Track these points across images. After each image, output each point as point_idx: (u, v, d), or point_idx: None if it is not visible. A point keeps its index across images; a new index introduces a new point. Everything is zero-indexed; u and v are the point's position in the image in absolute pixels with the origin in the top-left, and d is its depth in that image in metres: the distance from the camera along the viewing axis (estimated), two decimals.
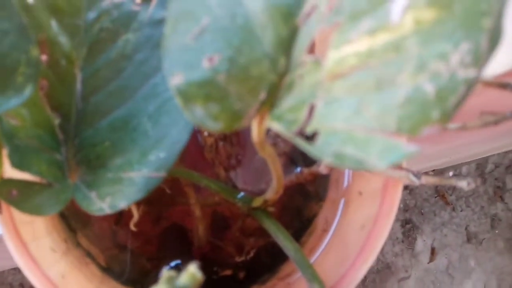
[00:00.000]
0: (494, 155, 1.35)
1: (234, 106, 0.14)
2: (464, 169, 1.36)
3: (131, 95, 0.19)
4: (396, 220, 1.31)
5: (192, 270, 0.15)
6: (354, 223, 0.26)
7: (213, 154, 0.27)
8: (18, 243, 0.19)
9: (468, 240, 1.32)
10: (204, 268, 0.32)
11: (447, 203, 1.32)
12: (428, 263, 1.29)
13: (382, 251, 1.30)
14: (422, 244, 1.31)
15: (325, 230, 0.28)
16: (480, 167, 1.35)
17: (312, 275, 0.22)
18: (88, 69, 0.19)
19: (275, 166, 0.20)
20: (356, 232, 0.25)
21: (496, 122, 0.16)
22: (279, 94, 0.14)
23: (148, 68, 0.19)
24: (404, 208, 1.34)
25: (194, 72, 0.13)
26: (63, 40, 0.17)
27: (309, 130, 0.13)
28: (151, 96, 0.19)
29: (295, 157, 0.31)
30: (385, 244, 1.30)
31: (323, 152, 0.12)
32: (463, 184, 0.19)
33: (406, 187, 1.34)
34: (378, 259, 1.30)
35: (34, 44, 0.14)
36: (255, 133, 0.16)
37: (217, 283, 0.30)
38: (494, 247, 1.32)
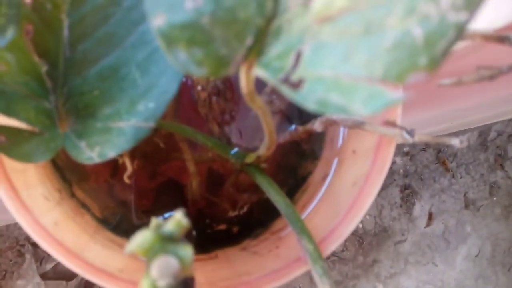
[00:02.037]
0: (497, 123, 1.34)
1: (220, 52, 0.13)
2: (466, 137, 1.35)
3: (120, 43, 0.18)
4: (395, 185, 1.32)
5: (178, 217, 0.15)
6: (346, 181, 0.26)
7: (207, 109, 0.26)
8: (10, 190, 0.19)
9: (466, 206, 1.34)
10: (199, 222, 0.32)
11: (447, 169, 1.32)
12: (424, 227, 1.31)
13: (380, 215, 1.32)
14: (420, 209, 1.33)
15: (318, 188, 0.28)
16: (482, 135, 1.34)
17: (302, 228, 0.22)
18: (75, 15, 0.18)
19: (266, 120, 0.20)
20: (348, 189, 0.25)
21: (491, 77, 0.16)
22: (267, 40, 0.14)
23: (137, 14, 0.18)
24: (404, 173, 1.35)
25: (177, 13, 0.12)
26: None
27: (295, 77, 0.13)
28: (140, 44, 0.18)
29: (291, 115, 0.31)
30: (383, 208, 1.32)
31: (307, 99, 0.12)
32: (455, 142, 0.19)
33: (407, 153, 1.34)
34: (375, 223, 1.32)
35: None
36: (244, 83, 0.15)
37: (212, 237, 0.31)
38: (491, 213, 1.34)
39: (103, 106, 0.19)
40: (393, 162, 1.30)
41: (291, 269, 0.22)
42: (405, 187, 1.31)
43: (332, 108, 0.11)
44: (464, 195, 1.34)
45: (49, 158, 0.18)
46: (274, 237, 0.27)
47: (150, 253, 0.14)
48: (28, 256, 1.12)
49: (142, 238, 0.14)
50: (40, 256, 1.13)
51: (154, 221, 0.15)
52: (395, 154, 1.31)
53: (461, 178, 1.34)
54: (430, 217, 1.30)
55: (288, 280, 0.22)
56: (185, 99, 0.29)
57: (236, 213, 0.30)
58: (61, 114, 0.19)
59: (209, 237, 0.30)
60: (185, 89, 0.29)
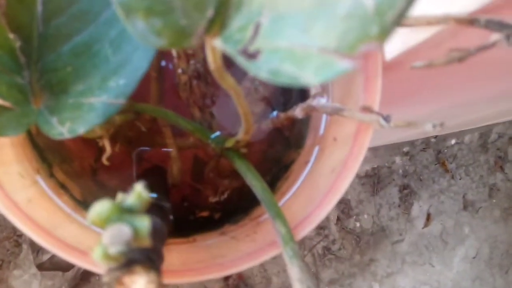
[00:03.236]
0: (498, 124, 1.34)
1: (180, 22, 0.13)
2: (466, 138, 1.35)
3: (93, 20, 0.18)
4: (394, 185, 1.31)
5: (139, 190, 0.15)
6: (325, 168, 0.26)
7: (187, 93, 0.26)
8: None
9: (465, 207, 1.33)
10: (182, 209, 0.32)
11: (446, 170, 1.32)
12: (422, 228, 1.31)
13: (378, 215, 1.32)
14: (418, 209, 1.32)
15: (298, 175, 0.28)
16: (483, 137, 1.34)
17: (276, 212, 0.22)
18: None
19: (239, 101, 0.20)
20: (327, 175, 0.25)
21: (460, 59, 0.16)
22: (229, 12, 0.14)
23: None
24: (403, 173, 1.34)
25: None
26: None
27: (252, 48, 0.13)
28: (112, 21, 0.18)
29: (275, 103, 0.30)
30: (381, 207, 1.31)
31: (261, 69, 0.12)
32: (428, 126, 0.19)
33: (406, 153, 1.34)
34: (373, 222, 1.32)
35: None
36: (210, 57, 0.15)
37: (193, 222, 0.31)
38: (490, 215, 1.33)
39: (76, 82, 0.19)
40: (393, 162, 1.30)
41: (264, 252, 0.22)
42: (404, 187, 1.31)
43: (283, 77, 0.11)
44: (463, 196, 1.34)
45: (20, 133, 0.18)
46: (253, 223, 0.27)
47: (108, 223, 0.14)
48: (25, 246, 1.12)
49: (100, 208, 0.14)
50: (37, 247, 1.14)
51: (119, 195, 0.15)
52: (395, 154, 1.31)
53: (460, 179, 1.33)
54: (428, 217, 1.30)
55: (260, 262, 0.22)
56: (168, 84, 0.29)
57: (217, 199, 0.30)
58: (35, 90, 0.19)
59: (190, 222, 0.30)
60: (169, 74, 0.29)
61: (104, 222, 0.14)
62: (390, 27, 0.11)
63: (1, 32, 0.18)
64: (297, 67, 0.11)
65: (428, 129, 0.20)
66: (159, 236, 0.18)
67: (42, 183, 0.24)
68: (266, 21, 0.13)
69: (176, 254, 0.24)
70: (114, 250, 0.12)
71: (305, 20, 0.12)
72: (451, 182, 1.31)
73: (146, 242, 0.13)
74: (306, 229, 0.22)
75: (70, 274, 1.13)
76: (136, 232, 0.13)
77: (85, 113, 0.18)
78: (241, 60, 0.12)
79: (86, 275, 1.16)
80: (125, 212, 0.14)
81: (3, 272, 1.16)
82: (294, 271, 0.19)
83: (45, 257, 1.15)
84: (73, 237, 0.21)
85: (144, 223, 0.13)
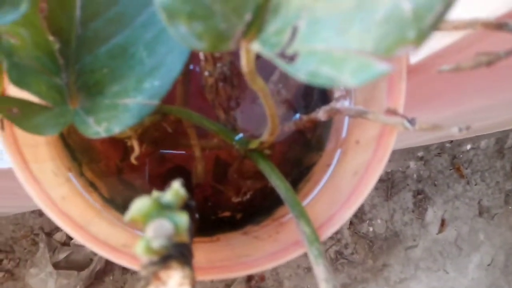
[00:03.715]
0: None
1: (219, 26, 0.14)
2: (482, 143, 1.34)
3: (129, 23, 0.19)
4: (408, 190, 1.31)
5: (176, 187, 0.15)
6: (348, 170, 0.26)
7: (213, 95, 0.27)
8: (21, 161, 0.20)
9: (480, 214, 1.31)
10: (205, 209, 0.33)
11: (461, 176, 1.30)
12: (437, 234, 1.30)
13: (391, 219, 1.31)
14: (432, 215, 1.31)
15: (321, 177, 0.28)
16: (499, 142, 1.32)
17: (300, 212, 0.22)
18: None
19: (267, 102, 0.20)
20: (349, 178, 0.25)
21: (489, 63, 0.16)
22: (266, 16, 0.14)
23: None
24: (417, 178, 1.33)
25: None
26: None
27: (290, 51, 0.13)
28: (148, 25, 0.19)
29: (297, 105, 0.31)
30: (395, 212, 1.31)
31: (299, 71, 0.12)
32: (454, 130, 0.19)
33: (421, 158, 1.33)
34: (386, 227, 1.31)
35: None
36: (244, 61, 0.16)
37: (216, 222, 0.31)
38: (506, 222, 1.31)
39: (112, 83, 0.20)
40: (407, 167, 1.29)
41: (288, 252, 0.22)
42: (418, 192, 1.30)
43: (322, 79, 0.12)
44: (479, 202, 1.32)
45: (58, 132, 0.19)
46: (275, 223, 0.27)
47: (148, 219, 0.14)
48: (41, 245, 1.14)
49: (141, 204, 0.14)
50: (54, 245, 1.16)
51: (155, 193, 0.16)
52: (409, 159, 1.30)
53: (476, 185, 1.32)
54: (443, 223, 1.29)
55: (284, 262, 0.22)
56: (193, 87, 0.30)
57: (239, 199, 0.30)
58: (72, 91, 0.20)
59: (213, 222, 0.31)
60: (194, 77, 0.29)
61: (145, 218, 0.14)
62: (428, 31, 0.11)
63: (42, 34, 0.19)
64: (335, 69, 0.12)
65: (453, 133, 0.20)
66: (191, 232, 0.18)
67: (73, 181, 0.25)
68: (303, 24, 0.13)
69: (201, 252, 0.24)
70: (157, 244, 0.13)
71: (342, 23, 0.12)
72: (466, 187, 1.30)
73: (185, 237, 0.14)
74: (329, 230, 0.23)
75: (85, 273, 1.14)
76: (176, 227, 0.14)
77: (121, 114, 0.19)
78: (279, 63, 0.13)
79: (100, 275, 1.18)
80: (163, 208, 0.15)
81: (20, 270, 1.18)
82: (320, 271, 0.20)
83: (61, 256, 1.17)
84: (104, 233, 0.22)
85: (183, 219, 0.14)
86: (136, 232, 0.25)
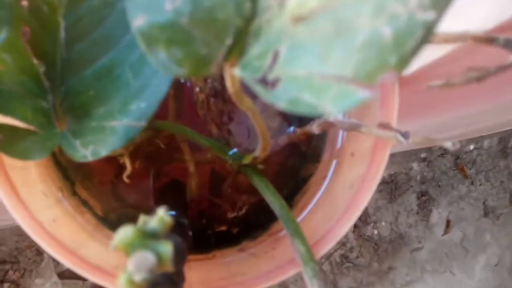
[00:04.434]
0: None
1: (200, 51, 0.13)
2: (486, 143, 1.33)
3: (114, 45, 0.19)
4: (412, 191, 1.30)
5: (161, 214, 0.15)
6: (344, 183, 0.26)
7: (205, 110, 0.27)
8: (7, 187, 0.20)
9: (485, 214, 1.30)
10: (200, 223, 0.32)
11: (465, 176, 1.29)
12: (442, 235, 1.29)
13: (396, 222, 1.30)
14: (437, 216, 1.30)
15: (317, 190, 0.28)
16: (502, 141, 1.31)
17: (295, 230, 0.22)
18: (71, 17, 0.19)
19: (257, 121, 0.20)
20: (345, 191, 0.25)
21: (479, 78, 0.16)
22: (247, 40, 0.14)
23: None
24: (421, 180, 1.32)
25: (156, 14, 0.13)
26: None
27: (271, 76, 0.13)
28: (133, 46, 0.19)
29: (290, 118, 0.31)
30: (399, 214, 1.30)
31: (280, 98, 0.12)
32: (448, 144, 0.19)
33: (424, 159, 1.32)
34: (391, 229, 1.30)
35: None
36: (229, 83, 0.16)
37: (212, 237, 0.31)
38: (511, 222, 1.30)
39: (98, 105, 0.19)
40: (410, 168, 1.28)
41: (283, 270, 0.22)
42: (422, 194, 1.29)
43: (303, 107, 0.11)
44: (484, 202, 1.31)
45: (45, 156, 0.19)
46: (271, 239, 0.27)
47: (131, 249, 0.14)
48: (46, 255, 1.15)
49: (123, 234, 0.14)
50: None
51: (142, 217, 0.16)
52: (412, 160, 1.29)
53: (480, 185, 1.31)
54: (448, 224, 1.28)
55: (280, 281, 0.22)
56: (186, 101, 0.30)
57: (235, 214, 0.30)
58: (58, 114, 0.20)
59: (209, 237, 0.31)
60: (187, 91, 0.29)
61: (128, 248, 0.14)
62: (409, 56, 0.11)
63: (26, 58, 0.18)
64: (315, 97, 0.11)
65: (447, 146, 0.20)
66: (181, 257, 0.18)
67: (65, 201, 0.25)
68: (284, 48, 0.13)
69: (195, 271, 0.24)
70: (138, 277, 0.12)
71: (322, 49, 0.12)
72: (470, 188, 1.29)
73: (169, 267, 0.14)
74: (325, 247, 0.22)
75: (89, 282, 1.14)
76: (159, 258, 0.13)
77: (108, 136, 0.19)
78: (259, 90, 0.13)
79: None
80: (147, 237, 0.14)
81: (25, 280, 1.18)
82: None
83: (65, 266, 1.17)
84: (96, 256, 0.21)
85: (167, 249, 0.14)
86: None
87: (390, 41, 0.11)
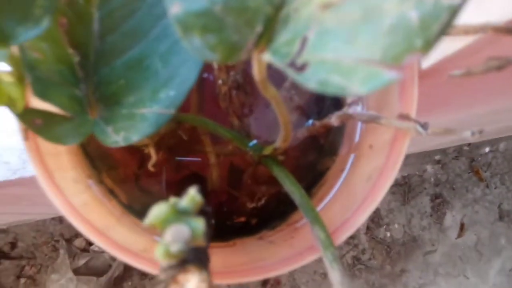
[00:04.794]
0: None
1: (232, 38, 0.14)
2: (501, 146, 1.31)
3: (144, 36, 0.20)
4: (426, 194, 1.29)
5: (192, 193, 0.16)
6: (361, 175, 0.26)
7: (227, 103, 0.28)
8: (44, 170, 0.21)
9: (500, 218, 1.29)
10: (220, 214, 0.33)
11: (481, 179, 1.28)
12: (456, 238, 1.27)
13: (409, 224, 1.29)
14: (451, 219, 1.29)
15: (334, 182, 0.29)
16: None
17: (314, 217, 0.23)
18: (104, 9, 0.20)
19: (280, 110, 0.21)
20: (363, 183, 0.25)
21: (499, 67, 0.16)
22: (276, 27, 0.15)
23: (160, 9, 0.19)
24: (435, 182, 1.31)
25: (192, 2, 0.13)
26: None
27: (300, 61, 0.14)
28: (162, 37, 0.20)
29: (309, 111, 0.31)
30: (413, 217, 1.29)
31: (310, 80, 0.13)
32: (467, 134, 0.19)
33: (438, 162, 1.31)
34: (404, 232, 1.30)
35: None
36: (256, 70, 0.16)
37: (231, 227, 0.32)
38: None
39: (129, 94, 0.20)
40: (424, 170, 1.28)
41: (303, 256, 0.22)
42: (436, 196, 1.28)
43: (332, 88, 0.12)
44: (499, 206, 1.29)
45: (79, 142, 0.20)
46: (290, 228, 0.28)
47: (166, 224, 0.15)
48: (62, 251, 1.17)
49: (158, 210, 0.15)
50: (73, 252, 1.18)
51: (172, 199, 0.16)
52: (426, 162, 1.29)
53: (495, 188, 1.29)
54: (462, 227, 1.26)
55: (299, 266, 0.22)
56: (208, 95, 0.30)
57: (254, 205, 0.30)
58: (91, 102, 0.21)
59: (228, 227, 0.31)
60: (208, 85, 0.30)
61: (163, 223, 0.15)
62: (435, 39, 0.11)
63: (63, 48, 0.20)
64: (344, 78, 0.12)
65: (466, 136, 0.20)
66: (208, 235, 0.19)
67: (94, 188, 0.26)
68: (313, 35, 0.13)
69: (218, 257, 0.25)
70: (175, 248, 0.13)
71: (350, 33, 0.13)
72: (485, 191, 1.27)
73: (201, 241, 0.14)
74: (344, 235, 0.23)
75: (104, 279, 1.16)
76: (192, 232, 0.14)
77: (138, 123, 0.20)
78: (290, 72, 0.13)
79: (119, 280, 1.19)
80: (180, 214, 0.15)
81: (41, 276, 1.20)
82: (335, 275, 0.20)
83: (80, 262, 1.19)
84: (124, 239, 0.22)
85: (199, 224, 0.14)
86: (154, 237, 0.25)
87: (416, 25, 0.11)
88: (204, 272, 0.16)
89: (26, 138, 0.21)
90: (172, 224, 0.14)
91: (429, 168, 1.29)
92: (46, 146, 0.22)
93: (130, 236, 0.23)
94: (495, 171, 1.30)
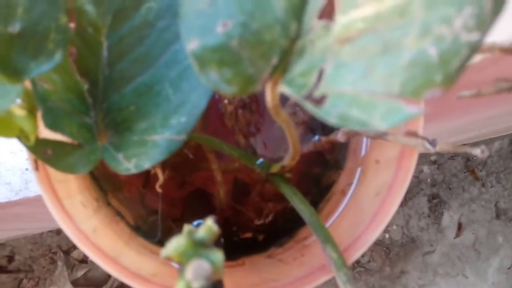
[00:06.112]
0: None
1: (247, 71, 0.14)
2: (496, 144, 1.32)
3: (154, 62, 0.20)
4: (423, 194, 1.30)
5: (209, 224, 0.16)
6: (369, 190, 0.26)
7: (233, 121, 0.28)
8: (54, 199, 0.21)
9: (497, 216, 1.29)
10: (226, 230, 0.33)
11: (476, 178, 1.29)
12: (454, 238, 1.28)
13: (407, 225, 1.30)
14: (448, 219, 1.30)
15: (342, 197, 0.29)
16: None
17: (326, 236, 0.23)
18: (113, 37, 0.20)
19: (290, 132, 0.21)
20: (371, 198, 0.26)
21: (510, 89, 0.16)
22: (291, 59, 0.15)
23: (170, 35, 0.19)
24: (432, 183, 1.32)
25: (208, 37, 0.14)
26: (90, 8, 0.18)
27: (317, 93, 0.14)
28: (172, 63, 0.20)
29: (314, 126, 0.31)
30: (410, 218, 1.29)
31: (329, 114, 0.13)
32: (476, 151, 0.19)
33: (434, 162, 1.32)
34: (403, 233, 1.30)
35: (63, 12, 0.15)
36: (269, 98, 0.17)
37: (239, 244, 0.32)
38: None
39: (139, 120, 0.20)
40: (420, 171, 1.28)
41: (315, 276, 0.22)
42: (433, 197, 1.29)
43: (352, 123, 0.12)
44: (495, 204, 1.31)
45: (89, 170, 0.20)
46: (299, 246, 0.28)
47: (184, 258, 0.15)
48: (60, 263, 1.16)
49: (176, 243, 0.15)
50: (71, 263, 1.17)
51: (186, 227, 0.16)
52: (422, 163, 1.29)
53: (491, 187, 1.30)
54: (460, 227, 1.27)
55: (312, 287, 0.22)
56: (212, 112, 0.30)
57: (261, 221, 0.30)
58: (100, 128, 0.21)
59: (236, 244, 0.31)
60: (213, 103, 0.30)
61: (181, 256, 0.15)
62: (454, 75, 0.11)
63: (72, 77, 0.19)
64: (364, 113, 0.12)
65: (476, 153, 0.20)
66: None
67: (101, 212, 0.25)
68: (330, 67, 0.14)
69: (229, 278, 0.25)
70: (197, 285, 0.13)
71: (367, 67, 0.13)
72: (482, 190, 1.28)
73: (221, 274, 0.14)
74: (356, 254, 0.23)
75: None
76: (213, 266, 0.14)
77: (150, 150, 0.19)
78: (308, 106, 0.13)
79: None
80: (198, 246, 0.15)
81: None
82: None
83: (79, 274, 1.18)
84: (134, 264, 0.22)
85: (219, 257, 0.14)
86: (164, 260, 0.25)
87: (436, 60, 0.11)
88: None
89: (36, 168, 0.21)
90: (191, 258, 0.14)
91: (425, 168, 1.29)
92: (55, 173, 0.22)
93: (139, 259, 0.23)
94: (490, 170, 1.31)
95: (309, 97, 0.14)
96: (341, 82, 0.13)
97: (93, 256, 0.21)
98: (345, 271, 0.21)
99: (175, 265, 0.25)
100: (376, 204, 0.25)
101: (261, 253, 0.29)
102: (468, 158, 1.29)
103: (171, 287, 0.21)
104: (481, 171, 1.29)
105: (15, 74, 0.15)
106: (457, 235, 1.26)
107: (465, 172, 1.28)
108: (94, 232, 0.22)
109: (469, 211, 1.29)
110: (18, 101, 0.17)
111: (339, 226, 0.27)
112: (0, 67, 0.15)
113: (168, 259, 0.24)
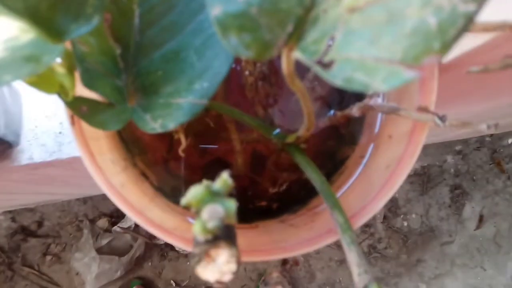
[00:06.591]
0: None
1: (265, 37, 0.16)
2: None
3: (181, 30, 0.21)
4: (445, 184, 1.28)
5: (225, 177, 0.18)
6: (381, 163, 0.28)
7: (253, 92, 0.29)
8: (88, 153, 0.23)
9: None
10: (242, 199, 0.35)
11: (502, 171, 1.27)
12: (474, 230, 1.27)
13: (427, 214, 1.29)
14: (470, 210, 1.28)
15: (354, 170, 0.30)
16: None
17: (334, 203, 0.24)
18: (144, 6, 0.21)
19: (305, 102, 0.22)
20: (381, 171, 0.27)
21: None
22: (305, 27, 0.16)
23: (196, 5, 0.21)
24: (455, 173, 1.31)
25: (231, 4, 0.15)
26: None
27: (327, 59, 0.15)
28: (197, 32, 0.21)
29: (331, 102, 0.33)
30: (431, 207, 1.29)
31: (336, 77, 0.14)
32: (483, 127, 0.20)
33: (459, 152, 1.30)
34: (422, 222, 1.30)
35: None
36: (285, 65, 0.18)
37: (254, 211, 0.33)
38: None
39: (165, 84, 0.22)
40: (444, 161, 1.27)
41: (322, 238, 0.24)
42: (456, 187, 1.28)
43: (356, 85, 0.14)
44: None
45: (119, 128, 0.22)
46: (310, 213, 0.29)
47: (201, 204, 0.16)
48: (85, 231, 1.22)
49: (195, 191, 0.17)
50: (96, 232, 1.23)
51: (204, 182, 0.18)
52: (447, 153, 1.28)
53: None
54: (481, 219, 1.26)
55: (318, 247, 0.24)
56: (233, 84, 0.32)
57: (276, 190, 0.32)
58: (130, 91, 0.23)
59: (251, 211, 0.33)
60: (234, 75, 0.31)
61: (199, 203, 0.16)
62: (451, 42, 0.13)
63: (107, 42, 0.21)
64: (368, 76, 0.13)
65: (482, 129, 0.21)
66: (236, 215, 0.20)
67: (128, 170, 0.28)
68: (339, 35, 0.15)
69: (242, 237, 0.26)
70: (211, 224, 0.15)
71: (374, 35, 0.14)
72: (507, 183, 1.26)
73: (233, 220, 0.16)
74: (362, 220, 0.24)
75: (125, 258, 1.20)
76: (226, 211, 0.16)
77: (174, 111, 0.21)
78: (317, 69, 0.15)
79: (140, 261, 1.24)
80: (214, 195, 0.17)
81: (66, 254, 1.26)
82: (352, 256, 0.21)
83: (103, 242, 1.24)
84: (158, 218, 0.24)
85: (232, 204, 0.16)
86: (183, 217, 0.27)
87: (435, 29, 0.13)
88: (234, 248, 0.18)
89: (72, 123, 0.23)
90: (208, 203, 0.16)
91: (449, 158, 1.28)
92: (89, 131, 0.24)
93: (162, 215, 0.25)
94: None
95: (319, 62, 0.15)
96: (349, 49, 0.14)
97: (123, 208, 0.23)
98: (349, 234, 0.22)
99: (193, 222, 0.27)
100: (385, 176, 0.26)
101: (275, 218, 0.31)
102: (494, 150, 1.26)
103: (189, 239, 0.23)
104: (507, 163, 1.26)
105: (58, 34, 0.17)
106: (478, 227, 1.25)
107: (490, 164, 1.26)
108: (122, 186, 0.24)
109: (492, 204, 1.27)
110: (59, 60, 0.19)
111: (349, 196, 0.28)
112: (45, 28, 0.17)
113: (187, 209, 0.26)
